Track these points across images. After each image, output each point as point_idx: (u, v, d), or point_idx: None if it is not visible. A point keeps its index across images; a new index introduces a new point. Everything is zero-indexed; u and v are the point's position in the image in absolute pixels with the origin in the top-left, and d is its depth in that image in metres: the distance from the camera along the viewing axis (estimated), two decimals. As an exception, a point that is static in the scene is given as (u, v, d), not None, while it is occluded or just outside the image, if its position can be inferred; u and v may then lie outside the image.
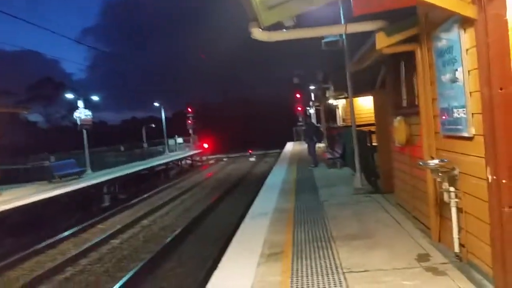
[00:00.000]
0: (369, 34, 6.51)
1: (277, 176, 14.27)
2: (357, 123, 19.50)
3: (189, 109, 43.56)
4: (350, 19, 5.75)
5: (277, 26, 5.56)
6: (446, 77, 4.57)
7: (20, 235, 12.78)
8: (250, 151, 45.01)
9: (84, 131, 23.00)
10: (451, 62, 4.39)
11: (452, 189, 4.60)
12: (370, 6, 5.12)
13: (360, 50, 6.70)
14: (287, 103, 51.68)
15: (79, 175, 20.82)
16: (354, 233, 6.18)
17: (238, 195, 18.34)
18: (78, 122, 22.60)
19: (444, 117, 4.78)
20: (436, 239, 5.41)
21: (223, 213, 14.78)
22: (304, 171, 15.17)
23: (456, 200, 4.58)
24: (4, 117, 26.70)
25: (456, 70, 4.27)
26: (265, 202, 9.57)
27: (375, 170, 9.25)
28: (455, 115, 4.43)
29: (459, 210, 4.58)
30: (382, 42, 5.39)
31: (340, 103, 26.48)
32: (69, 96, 24.62)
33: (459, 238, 4.60)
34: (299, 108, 44.94)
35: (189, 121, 43.28)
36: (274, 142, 42.92)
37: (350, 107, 9.72)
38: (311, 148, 16.27)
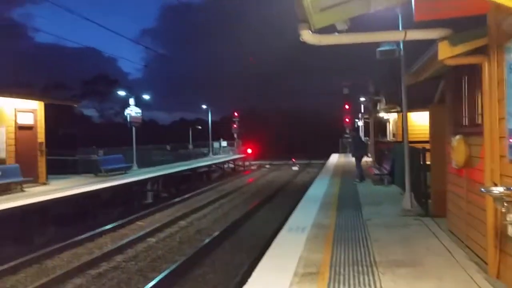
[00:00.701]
0: (429, 44, 6.01)
1: (319, 189, 13.76)
2: (409, 140, 18.63)
3: (235, 114, 43.78)
4: (410, 27, 5.26)
5: (329, 30, 5.19)
6: (520, 94, 4.01)
7: (60, 226, 13.11)
8: (293, 160, 44.49)
9: (134, 128, 23.56)
10: (527, 78, 3.84)
11: (518, 222, 4.02)
12: (434, 12, 4.64)
13: (419, 60, 6.18)
14: (335, 113, 50.75)
15: (125, 170, 21.27)
16: (399, 259, 5.64)
17: (277, 204, 17.95)
18: (128, 119, 23.18)
19: (513, 140, 4.21)
20: (494, 275, 4.79)
21: (260, 222, 14.45)
22: (348, 185, 14.55)
23: (523, 235, 4.00)
24: (59, 109, 27.98)
25: (534, 86, 3.73)
26: (304, 215, 9.15)
27: (427, 191, 8.58)
28: (528, 138, 3.87)
29: (526, 247, 3.99)
30: (445, 52, 4.88)
31: (391, 117, 25.52)
32: (122, 93, 25.33)
33: (523, 279, 4.01)
34: (347, 120, 43.97)
35: (235, 125, 43.47)
36: (318, 153, 42.12)
37: (403, 121, 9.11)
38: (357, 162, 15.65)
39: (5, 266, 9.20)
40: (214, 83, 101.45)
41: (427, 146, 10.37)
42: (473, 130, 5.83)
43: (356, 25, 5.37)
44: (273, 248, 6.45)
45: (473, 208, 5.70)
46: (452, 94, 6.87)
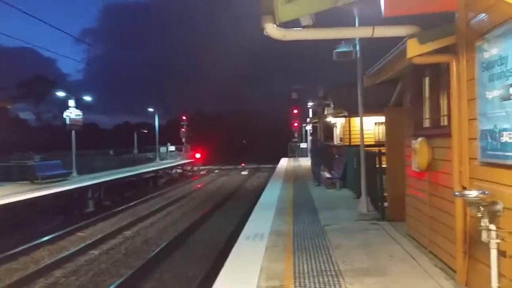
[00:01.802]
0: (386, 47, 5.86)
1: (272, 194, 13.45)
2: (355, 143, 18.86)
3: (183, 117, 42.73)
4: (377, 23, 5.03)
5: (293, 25, 4.84)
6: (494, 93, 3.85)
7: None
8: (243, 164, 44.21)
9: (73, 132, 22.07)
10: (503, 76, 3.68)
11: (493, 227, 3.85)
12: (404, 7, 4.41)
13: (381, 60, 6.00)
14: (284, 118, 51.13)
15: (64, 177, 19.85)
16: (364, 267, 5.38)
17: (229, 211, 17.47)
18: (68, 122, 21.68)
19: (485, 141, 4.05)
20: (463, 282, 4.63)
21: (211, 230, 13.90)
22: (301, 189, 14.37)
23: (498, 241, 3.82)
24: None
25: (511, 85, 3.56)
26: (260, 221, 8.75)
27: (383, 195, 8.49)
28: (504, 139, 3.70)
29: (501, 253, 3.82)
30: (414, 50, 4.68)
31: (338, 122, 25.95)
32: (61, 94, 23.72)
33: (499, 286, 3.83)
34: (296, 124, 44.38)
35: (183, 129, 42.42)
36: (268, 157, 42.12)
37: (361, 124, 8.98)
38: (316, 166, 15.51)
39: None
40: (161, 86, 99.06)
41: (374, 150, 10.45)
42: (436, 132, 5.72)
43: (320, 22, 5.07)
44: (232, 258, 5.97)
45: (437, 213, 5.57)
46: (412, 95, 6.78)
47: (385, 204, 8.51)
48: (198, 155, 41.97)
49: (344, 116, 23.09)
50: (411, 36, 4.66)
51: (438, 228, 5.52)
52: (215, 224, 14.88)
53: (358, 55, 8.45)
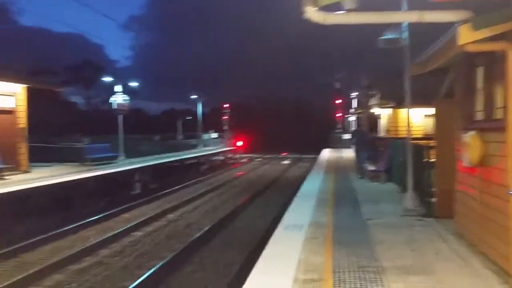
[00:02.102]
0: (438, 32, 5.51)
1: (313, 184, 13.29)
2: (402, 136, 18.18)
3: (226, 105, 43.06)
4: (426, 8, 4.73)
5: (334, 9, 4.65)
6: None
7: (42, 217, 12.46)
8: (284, 154, 44.02)
9: (120, 116, 22.79)
10: None
11: (553, 230, 3.57)
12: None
13: (430, 47, 5.67)
14: (327, 108, 50.30)
15: (112, 160, 20.55)
16: (408, 264, 5.18)
17: (269, 199, 17.46)
18: (114, 107, 22.40)
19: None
20: (516, 286, 4.36)
21: (251, 217, 13.95)
22: (343, 181, 14.11)
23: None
24: (43, 95, 27.01)
25: None
26: (300, 212, 8.65)
27: (430, 190, 8.13)
28: None
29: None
30: (466, 37, 4.38)
31: (384, 113, 25.15)
32: (108, 79, 24.49)
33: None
34: (339, 114, 43.56)
35: (225, 117, 42.78)
36: (310, 147, 41.70)
37: (408, 116, 8.58)
38: (360, 158, 15.07)
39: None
40: (207, 74, 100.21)
41: (422, 143, 10.01)
42: (490, 126, 5.37)
43: (364, 6, 4.83)
44: (270, 248, 5.94)
45: (489, 211, 5.25)
46: (463, 86, 6.40)
47: (432, 199, 8.16)
48: (239, 143, 42.24)
49: (391, 107, 22.35)
50: (463, 21, 4.35)
51: (490, 227, 5.21)
52: (255, 211, 14.92)
53: (406, 42, 8.02)
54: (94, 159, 19.05)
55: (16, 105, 15.21)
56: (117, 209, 14.26)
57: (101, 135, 28.12)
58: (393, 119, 22.20)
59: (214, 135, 41.57)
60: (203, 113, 40.92)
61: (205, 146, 38.52)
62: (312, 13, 4.58)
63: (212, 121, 44.28)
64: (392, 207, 8.93)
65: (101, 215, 13.26)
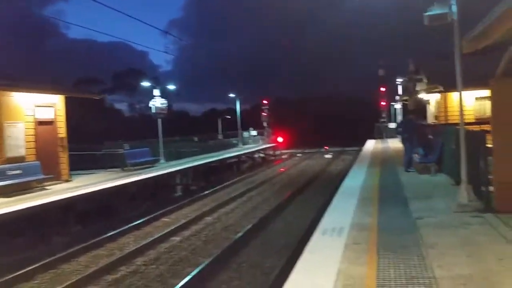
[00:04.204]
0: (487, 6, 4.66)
1: (356, 179, 12.45)
2: (453, 121, 16.92)
3: (264, 101, 42.47)
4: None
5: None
6: None
7: (83, 224, 12.53)
8: (326, 148, 42.93)
9: (159, 120, 22.85)
10: None
11: None
12: None
13: (485, 18, 4.81)
14: (370, 97, 48.51)
15: (152, 164, 20.62)
16: (466, 274, 4.40)
17: (311, 197, 16.78)
18: (153, 111, 22.47)
19: None
20: None
21: (292, 217, 13.35)
22: (389, 174, 13.15)
23: None
24: (87, 103, 27.70)
25: None
26: (340, 212, 7.95)
27: (488, 180, 7.16)
28: None
29: None
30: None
31: (432, 98, 23.67)
32: (146, 84, 24.68)
33: None
34: (383, 103, 41.79)
35: (264, 114, 42.22)
36: (353, 139, 40.34)
37: (460, 99, 7.59)
38: (407, 148, 13.78)
39: (20, 272, 8.56)
40: (246, 71, 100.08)
41: (475, 128, 8.98)
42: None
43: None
44: (305, 259, 5.32)
45: None
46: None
47: (491, 189, 7.18)
48: (280, 139, 41.54)
49: (439, 92, 20.97)
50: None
51: None
52: (295, 211, 14.32)
53: (455, 17, 7.03)
54: (135, 163, 19.15)
55: (55, 115, 15.42)
56: (157, 213, 14.12)
57: (143, 139, 28.46)
58: (442, 104, 20.85)
59: (254, 132, 41.15)
60: (244, 111, 40.58)
61: (245, 144, 38.23)
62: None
63: (253, 118, 43.89)
64: (444, 203, 8.01)
65: (140, 220, 13.14)
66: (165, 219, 13.88)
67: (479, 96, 18.80)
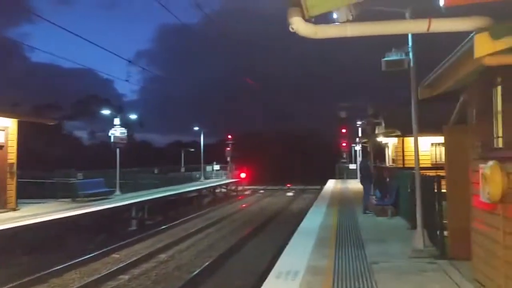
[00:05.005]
0: (447, 54, 4.79)
1: (315, 220, 12.33)
2: (409, 165, 17.31)
3: (229, 136, 42.45)
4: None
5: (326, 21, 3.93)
6: None
7: (25, 258, 11.62)
8: (288, 185, 43.03)
9: (118, 150, 22.17)
10: None
11: None
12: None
13: (440, 65, 4.92)
14: (331, 138, 49.53)
15: (106, 195, 19.76)
16: (421, 326, 4.24)
17: (270, 235, 16.47)
18: (112, 140, 21.83)
19: None
20: None
21: (250, 256, 12.95)
22: (347, 216, 13.13)
23: None
24: (44, 129, 26.57)
25: None
26: (297, 253, 7.73)
27: (443, 225, 7.19)
28: None
29: None
30: (484, 48, 3.64)
31: (390, 142, 24.34)
32: (106, 112, 24.09)
33: None
34: (344, 144, 42.70)
35: (228, 148, 42.09)
36: (314, 178, 40.68)
37: (415, 144, 7.75)
38: (365, 190, 13.93)
39: None
40: (211, 105, 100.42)
41: (431, 173, 9.14)
42: (513, 155, 4.55)
43: (361, 19, 4.11)
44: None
45: (517, 258, 4.35)
46: (479, 110, 5.61)
47: (445, 237, 7.20)
48: (243, 175, 41.33)
49: (397, 136, 21.59)
50: (480, 30, 3.61)
51: (519, 279, 4.29)
52: (254, 249, 13.93)
53: (412, 63, 7.27)
54: (88, 194, 18.28)
55: (6, 140, 14.61)
56: (107, 248, 13.34)
57: (101, 169, 27.44)
58: (400, 148, 21.41)
59: (217, 167, 40.81)
60: (209, 145, 40.25)
61: (207, 178, 37.70)
62: (300, 25, 3.80)
63: (217, 153, 43.58)
64: (400, 247, 7.97)
65: (88, 256, 12.34)
66: (115, 255, 13.11)
67: (434, 142, 19.46)
